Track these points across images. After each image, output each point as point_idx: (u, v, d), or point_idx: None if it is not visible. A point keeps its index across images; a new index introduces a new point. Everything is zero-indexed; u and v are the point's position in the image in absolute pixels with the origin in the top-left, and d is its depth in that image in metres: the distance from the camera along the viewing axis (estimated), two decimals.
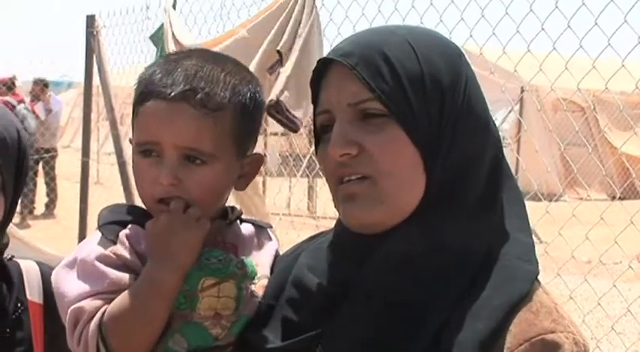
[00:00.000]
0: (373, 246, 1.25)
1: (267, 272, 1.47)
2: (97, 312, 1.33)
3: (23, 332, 1.60)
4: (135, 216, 1.43)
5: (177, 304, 1.36)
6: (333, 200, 1.30)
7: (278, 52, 3.80)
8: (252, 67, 3.61)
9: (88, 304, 1.34)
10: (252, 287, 1.41)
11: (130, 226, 1.40)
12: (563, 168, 13.71)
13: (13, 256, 1.68)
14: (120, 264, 1.37)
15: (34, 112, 12.10)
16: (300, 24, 3.83)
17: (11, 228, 1.66)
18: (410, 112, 1.22)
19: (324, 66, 1.30)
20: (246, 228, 1.50)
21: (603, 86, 3.99)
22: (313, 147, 1.40)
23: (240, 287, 1.40)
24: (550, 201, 4.78)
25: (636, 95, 8.06)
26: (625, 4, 3.48)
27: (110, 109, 5.81)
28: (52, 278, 1.44)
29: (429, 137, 1.23)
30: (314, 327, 1.26)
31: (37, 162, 12.30)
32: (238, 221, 1.50)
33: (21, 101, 12.12)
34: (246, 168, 1.46)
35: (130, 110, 1.50)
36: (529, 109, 13.54)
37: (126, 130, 6.03)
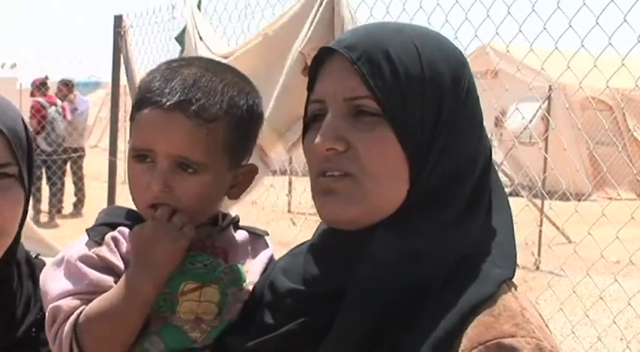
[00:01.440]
0: (354, 250, 1.22)
1: (258, 279, 1.46)
2: (73, 312, 1.35)
3: None
4: (129, 219, 1.44)
5: (156, 306, 1.37)
6: (312, 191, 1.27)
7: (301, 53, 3.77)
8: (285, 71, 3.58)
9: (66, 303, 1.36)
10: (240, 293, 1.41)
11: (118, 229, 1.42)
12: (591, 168, 13.59)
13: (38, 254, 1.68)
14: (101, 266, 1.38)
15: (64, 113, 12.18)
16: (323, 24, 3.78)
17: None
18: (403, 114, 1.20)
19: (325, 54, 1.27)
20: (240, 235, 1.51)
21: (632, 85, 3.95)
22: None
23: (224, 293, 1.40)
24: (579, 200, 4.73)
25: None
26: None
27: None
28: (41, 275, 1.46)
29: (420, 142, 1.20)
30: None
31: (65, 162, 12.39)
32: (232, 228, 1.51)
33: (53, 103, 12.18)
34: (240, 178, 1.47)
35: None
36: (557, 108, 13.43)
37: None
